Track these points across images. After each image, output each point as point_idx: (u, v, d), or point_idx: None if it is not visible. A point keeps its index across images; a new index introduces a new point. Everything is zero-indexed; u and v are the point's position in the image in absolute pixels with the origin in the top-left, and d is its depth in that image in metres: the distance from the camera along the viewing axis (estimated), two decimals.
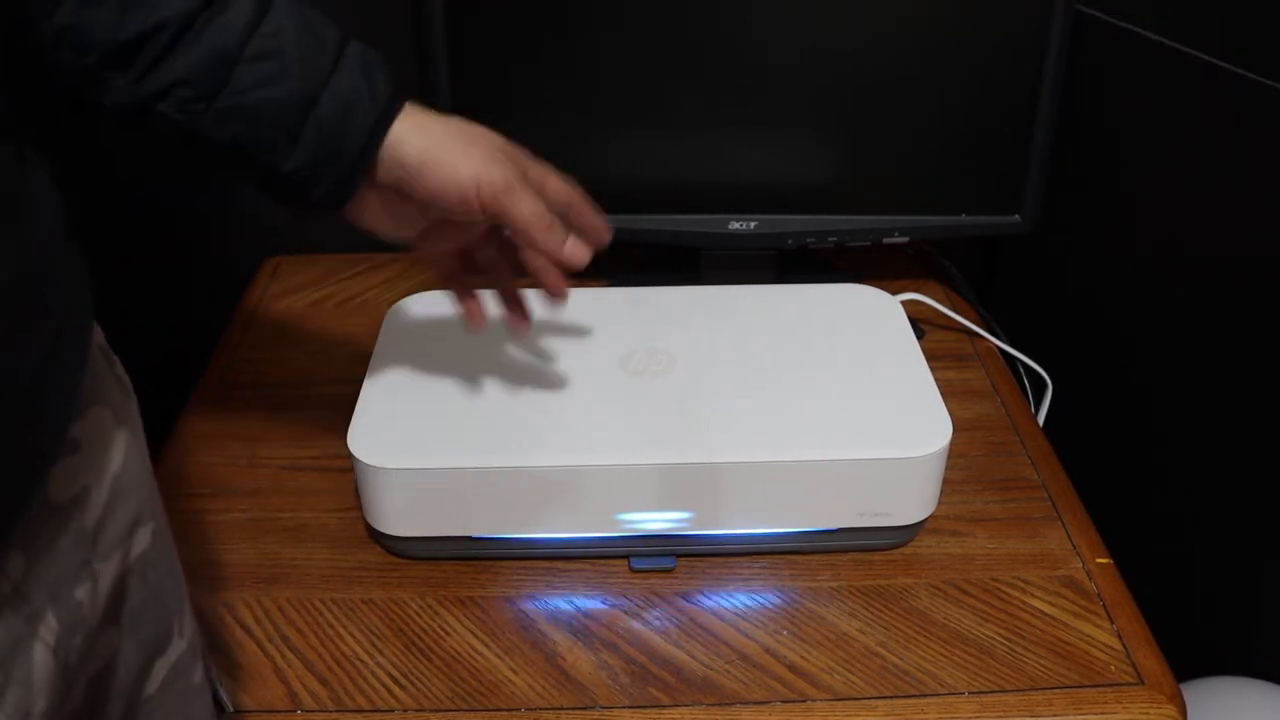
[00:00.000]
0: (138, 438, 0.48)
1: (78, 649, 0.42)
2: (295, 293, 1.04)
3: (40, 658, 0.39)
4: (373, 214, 0.60)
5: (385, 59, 0.58)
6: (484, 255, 0.68)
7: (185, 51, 0.51)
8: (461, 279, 0.69)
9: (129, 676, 0.47)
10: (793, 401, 0.74)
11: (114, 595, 0.45)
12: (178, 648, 0.50)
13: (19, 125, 0.39)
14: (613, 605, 0.71)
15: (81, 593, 0.42)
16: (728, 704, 0.65)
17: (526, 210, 0.59)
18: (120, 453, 0.46)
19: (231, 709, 0.60)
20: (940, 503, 0.75)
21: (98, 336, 0.47)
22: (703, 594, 0.72)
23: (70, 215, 0.43)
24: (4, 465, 0.37)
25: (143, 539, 0.47)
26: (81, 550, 0.42)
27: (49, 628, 0.40)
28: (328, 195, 0.57)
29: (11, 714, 0.37)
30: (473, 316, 0.70)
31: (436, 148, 0.57)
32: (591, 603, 0.71)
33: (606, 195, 1.01)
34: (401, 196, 0.59)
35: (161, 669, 0.49)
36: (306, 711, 0.65)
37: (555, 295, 0.65)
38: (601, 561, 0.74)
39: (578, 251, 0.62)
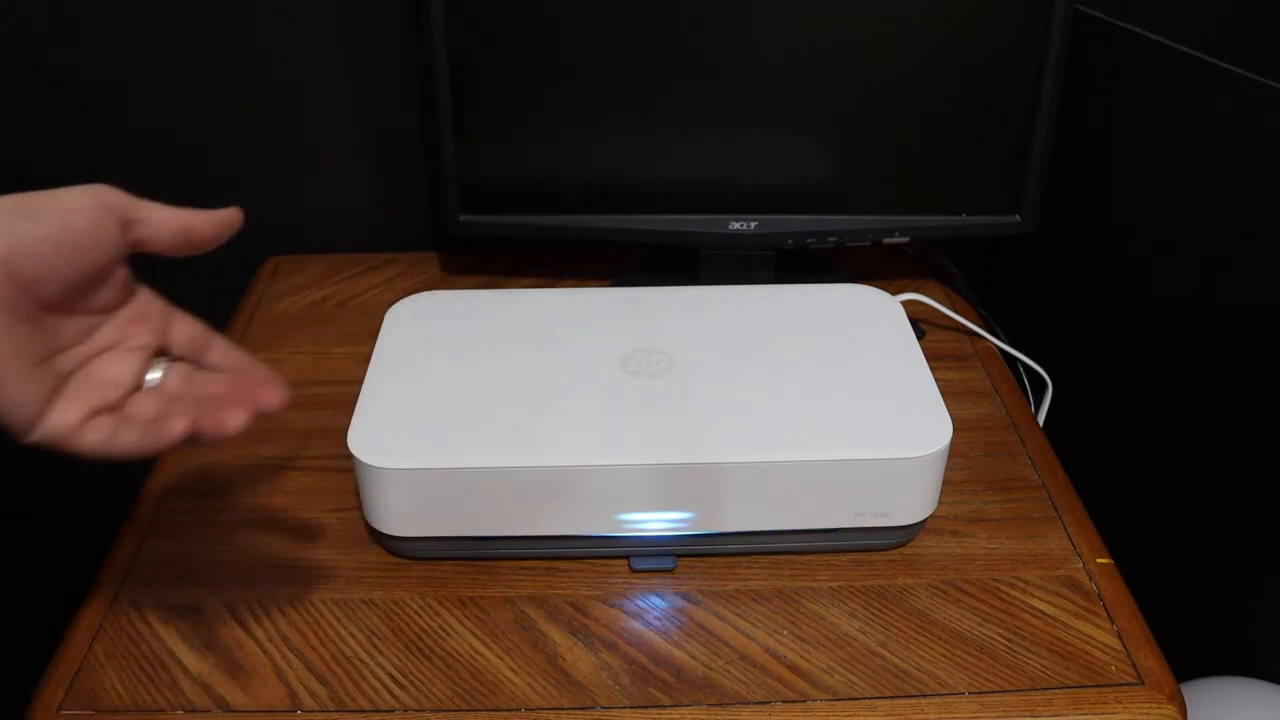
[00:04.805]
0: None
1: None
2: (295, 293, 1.04)
3: None
4: None
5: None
6: (140, 407, 0.56)
7: None
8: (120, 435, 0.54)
9: None
10: (792, 402, 0.74)
11: None
12: None
13: None
14: (613, 605, 0.71)
15: None
16: (728, 704, 0.65)
17: (164, 207, 0.55)
18: None
19: None
20: (940, 503, 0.75)
21: None
22: (703, 594, 0.72)
23: None
24: None
25: None
26: None
27: None
28: None
29: None
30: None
31: (31, 197, 0.51)
32: (591, 603, 0.72)
33: (607, 195, 1.01)
34: (18, 290, 0.50)
35: None
36: (306, 711, 0.65)
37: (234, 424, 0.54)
38: (601, 561, 0.74)
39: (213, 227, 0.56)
